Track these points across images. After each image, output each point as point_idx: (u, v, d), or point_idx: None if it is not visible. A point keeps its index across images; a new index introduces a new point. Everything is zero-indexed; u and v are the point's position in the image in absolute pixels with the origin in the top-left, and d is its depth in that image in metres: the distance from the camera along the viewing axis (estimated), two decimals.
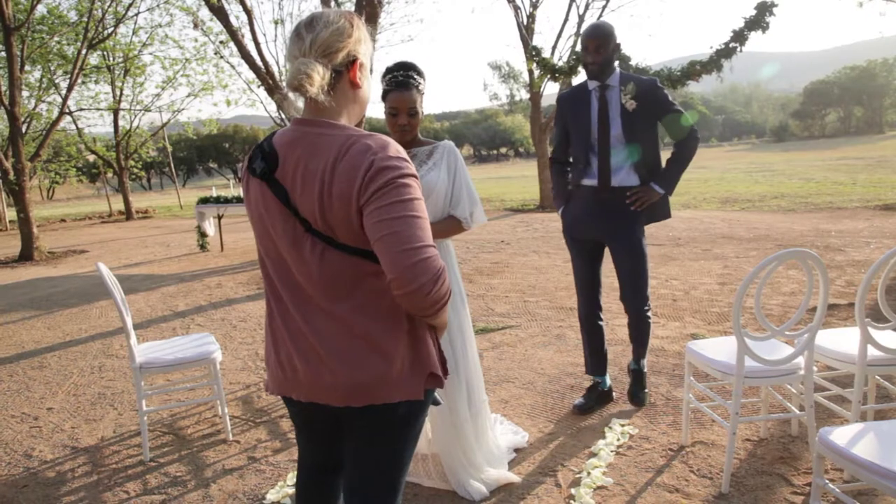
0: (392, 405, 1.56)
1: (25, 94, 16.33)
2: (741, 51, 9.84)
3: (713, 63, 10.02)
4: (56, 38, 15.94)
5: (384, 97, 2.72)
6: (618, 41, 3.38)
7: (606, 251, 3.62)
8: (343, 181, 1.43)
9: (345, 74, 1.55)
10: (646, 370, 3.72)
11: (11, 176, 12.21)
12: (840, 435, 2.10)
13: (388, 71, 2.73)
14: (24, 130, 13.25)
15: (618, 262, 3.54)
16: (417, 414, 1.64)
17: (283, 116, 13.64)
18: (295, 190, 1.51)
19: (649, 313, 3.58)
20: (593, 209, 3.50)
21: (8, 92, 12.19)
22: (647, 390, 3.67)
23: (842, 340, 2.97)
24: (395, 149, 1.48)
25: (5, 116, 13.27)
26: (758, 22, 9.53)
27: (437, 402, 1.69)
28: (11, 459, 3.48)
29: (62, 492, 3.09)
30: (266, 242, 1.61)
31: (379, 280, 1.46)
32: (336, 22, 1.52)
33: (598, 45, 3.31)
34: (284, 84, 1.47)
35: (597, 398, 3.68)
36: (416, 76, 2.71)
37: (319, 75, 1.46)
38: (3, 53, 12.28)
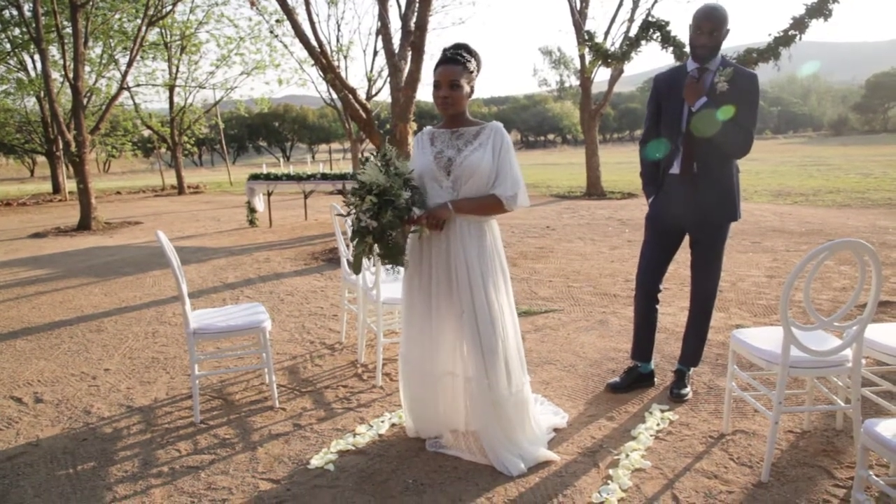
0: None
1: (87, 69, 16.83)
2: (801, 39, 9.52)
3: (770, 51, 9.68)
4: (118, 15, 16.40)
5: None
6: (729, 27, 3.26)
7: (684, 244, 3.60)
8: None
9: None
10: (691, 373, 3.69)
11: (73, 148, 12.66)
12: (887, 427, 2.08)
13: (443, 50, 2.81)
14: (84, 104, 13.71)
15: (695, 254, 3.51)
16: None
17: (334, 96, 13.77)
18: None
19: (712, 312, 3.56)
20: (681, 198, 3.41)
21: (73, 66, 12.62)
22: (688, 389, 3.58)
23: (893, 335, 2.90)
24: None
25: (69, 90, 13.74)
26: (820, 9, 9.18)
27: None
28: (72, 414, 3.66)
29: (118, 447, 3.25)
30: None
31: None
32: None
33: (713, 27, 3.21)
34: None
35: (633, 380, 3.70)
36: (465, 54, 2.81)
37: None
38: (69, 29, 12.68)
